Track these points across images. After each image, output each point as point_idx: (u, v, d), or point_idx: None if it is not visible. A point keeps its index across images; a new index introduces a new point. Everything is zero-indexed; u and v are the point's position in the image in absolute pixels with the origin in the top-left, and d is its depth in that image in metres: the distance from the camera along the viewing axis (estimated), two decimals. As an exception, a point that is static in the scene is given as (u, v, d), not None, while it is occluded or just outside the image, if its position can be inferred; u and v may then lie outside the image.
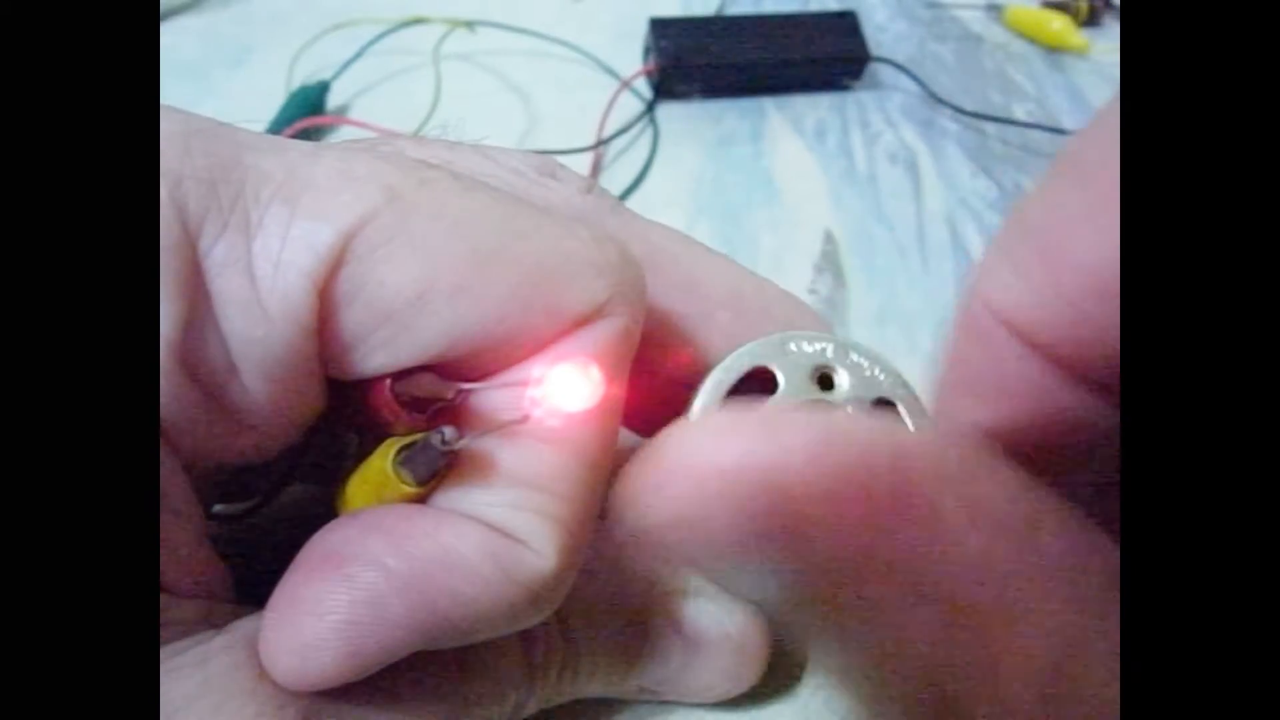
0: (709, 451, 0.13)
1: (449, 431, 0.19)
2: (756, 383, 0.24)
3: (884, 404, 0.24)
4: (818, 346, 0.24)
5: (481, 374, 0.21)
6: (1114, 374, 0.14)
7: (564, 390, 0.19)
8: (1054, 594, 0.14)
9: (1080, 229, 0.14)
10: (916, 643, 0.14)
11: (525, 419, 0.19)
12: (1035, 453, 0.15)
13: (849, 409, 0.22)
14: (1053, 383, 0.15)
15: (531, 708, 0.24)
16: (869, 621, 0.14)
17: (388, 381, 0.20)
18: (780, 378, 0.23)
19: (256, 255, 0.19)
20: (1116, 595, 0.14)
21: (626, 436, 0.24)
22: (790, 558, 0.13)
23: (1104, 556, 0.14)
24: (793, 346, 0.24)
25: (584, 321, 0.21)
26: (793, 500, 0.13)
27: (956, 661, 0.13)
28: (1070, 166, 0.14)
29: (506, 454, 0.20)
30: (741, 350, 0.24)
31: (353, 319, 0.20)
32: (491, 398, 0.21)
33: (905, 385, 0.24)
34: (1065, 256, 0.14)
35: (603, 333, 0.21)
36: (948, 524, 0.13)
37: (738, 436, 0.13)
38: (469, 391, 0.20)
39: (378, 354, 0.20)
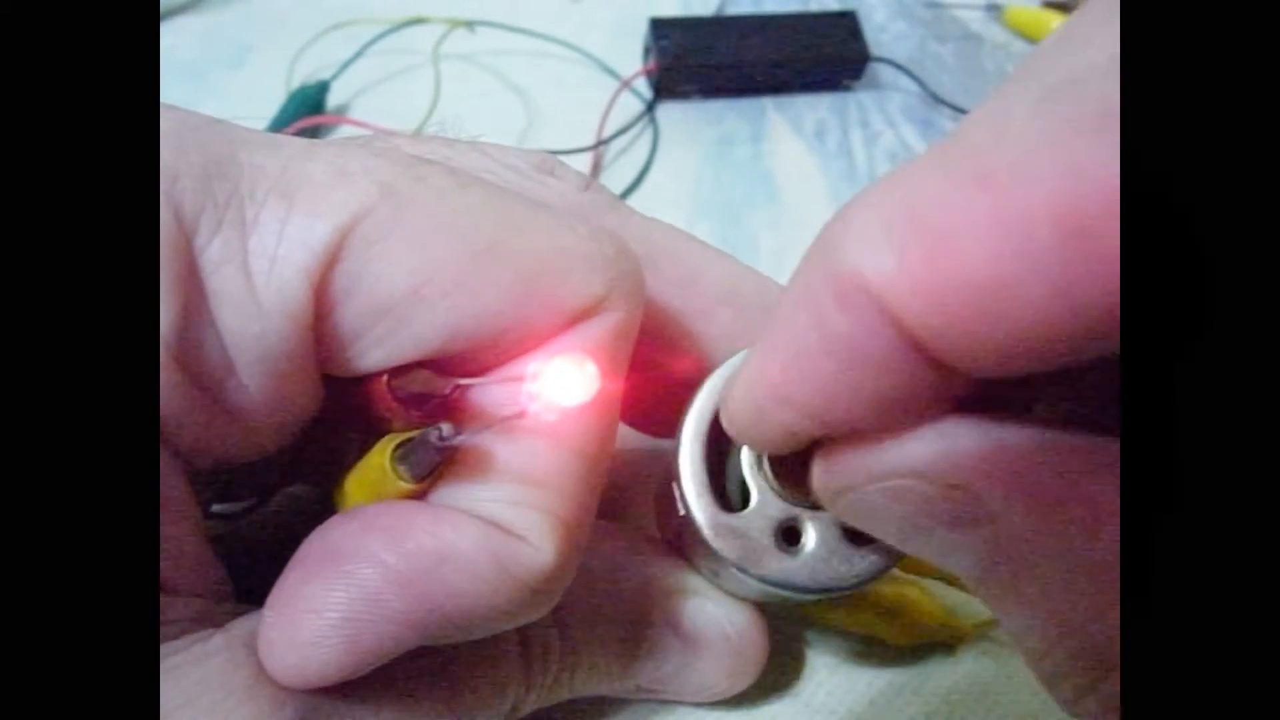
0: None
1: (446, 428, 0.19)
2: None
3: None
4: None
5: (479, 369, 0.21)
6: (974, 367, 0.14)
7: (561, 385, 0.19)
8: None
9: (977, 231, 0.13)
10: (1078, 613, 0.16)
11: (522, 414, 0.19)
12: (861, 421, 0.16)
13: None
14: (903, 360, 0.15)
15: (529, 706, 0.24)
16: (1037, 591, 0.16)
17: (385, 377, 0.20)
18: None
19: (252, 252, 0.19)
20: None
21: (625, 432, 0.24)
22: (975, 533, 0.17)
23: None
24: None
25: (581, 316, 0.21)
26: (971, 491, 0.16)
27: (1115, 631, 0.15)
28: (968, 156, 0.14)
29: (504, 449, 0.20)
30: (737, 356, 0.23)
31: (349, 315, 0.19)
32: (489, 393, 0.21)
33: None
34: (955, 255, 0.13)
35: (600, 327, 0.21)
36: (1104, 506, 0.15)
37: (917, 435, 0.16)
38: (466, 387, 0.20)
39: (375, 350, 0.20)
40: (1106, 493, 0.15)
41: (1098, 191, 0.12)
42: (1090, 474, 0.15)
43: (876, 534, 0.19)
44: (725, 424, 0.20)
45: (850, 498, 0.18)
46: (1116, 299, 0.12)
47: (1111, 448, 0.16)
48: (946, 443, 0.16)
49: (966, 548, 0.17)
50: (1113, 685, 0.15)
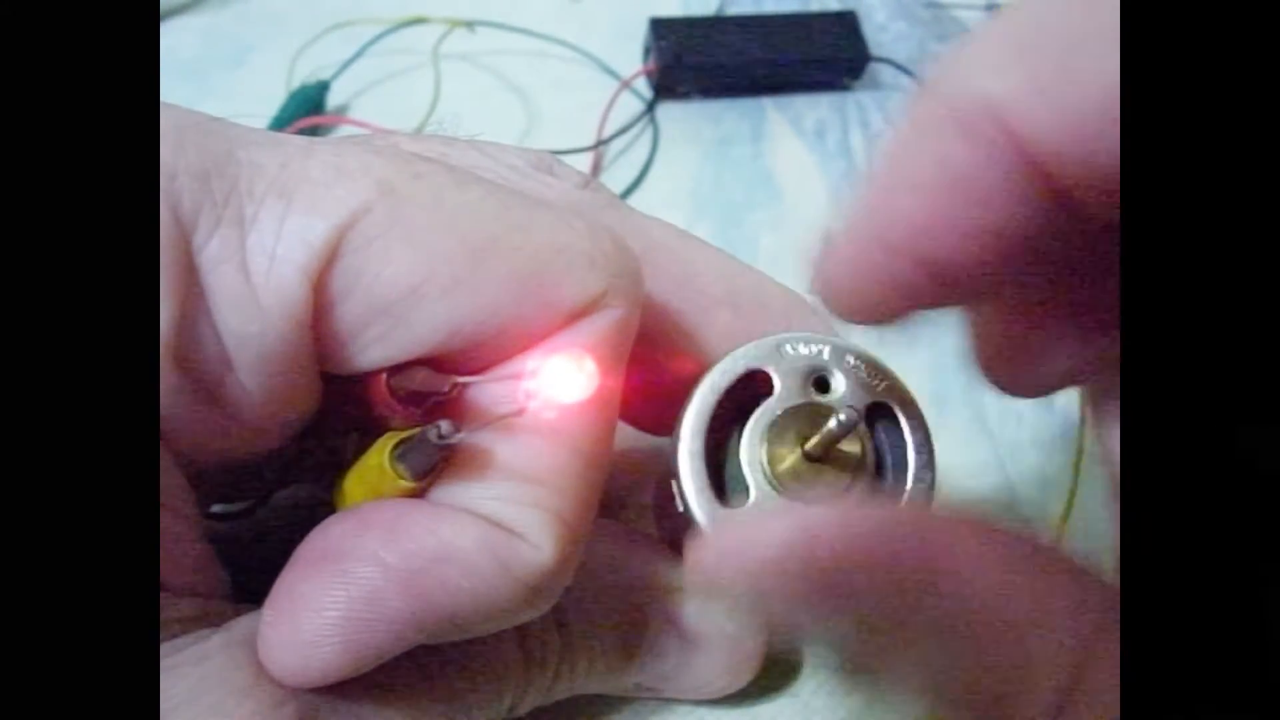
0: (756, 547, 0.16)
1: (445, 426, 0.19)
2: (752, 385, 0.24)
3: (879, 408, 0.24)
4: (813, 349, 0.24)
5: (478, 368, 0.21)
6: (1097, 197, 0.14)
7: (559, 383, 0.19)
8: (1064, 607, 0.15)
9: (1110, 42, 0.13)
10: (966, 659, 0.16)
11: (521, 412, 0.19)
12: (979, 257, 0.16)
13: (840, 416, 0.22)
14: (1027, 191, 0.15)
15: (528, 704, 0.24)
16: (921, 654, 0.16)
17: (384, 376, 0.20)
18: (776, 381, 0.23)
19: (251, 250, 0.19)
20: (1114, 610, 0.15)
21: (624, 431, 0.24)
22: (841, 621, 0.16)
23: (1099, 584, 0.16)
24: (788, 349, 0.24)
25: (580, 314, 0.21)
26: (831, 579, 0.16)
27: (1001, 668, 0.15)
28: None
29: (503, 448, 0.20)
30: (737, 353, 0.23)
31: (348, 313, 0.19)
32: (488, 391, 0.21)
33: (902, 389, 0.24)
34: (1090, 67, 0.13)
35: (599, 325, 0.21)
36: (970, 567, 0.15)
37: (779, 532, 0.16)
38: (465, 385, 0.20)
39: (373, 348, 0.20)
40: (954, 554, 0.15)
41: None
42: (946, 538, 0.16)
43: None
44: (820, 294, 0.19)
45: (715, 593, 0.18)
46: None
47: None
48: (805, 530, 0.16)
49: (829, 637, 0.17)
50: None
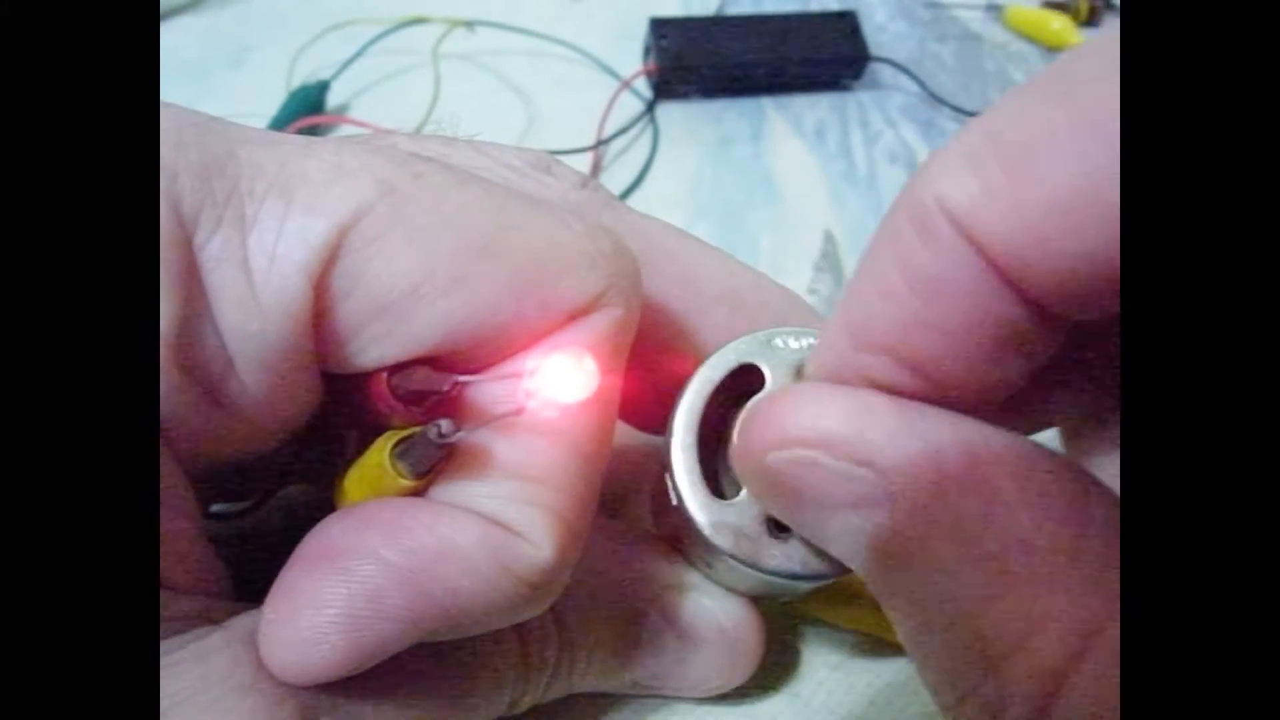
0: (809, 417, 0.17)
1: (446, 424, 0.19)
2: (745, 379, 0.24)
3: None
4: (804, 343, 0.24)
5: (478, 367, 0.21)
6: (1054, 295, 0.15)
7: (559, 382, 0.19)
8: (1090, 574, 0.15)
9: (1058, 146, 0.14)
10: (966, 604, 0.16)
11: (521, 411, 0.19)
12: (945, 360, 0.16)
13: None
14: (986, 289, 0.15)
15: (527, 701, 0.24)
16: (929, 580, 0.16)
17: (384, 375, 0.20)
18: (767, 374, 0.23)
19: (252, 250, 0.19)
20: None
21: (623, 430, 0.24)
22: (874, 513, 0.16)
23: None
24: (779, 342, 0.24)
25: (579, 313, 0.21)
26: (877, 468, 0.16)
27: (998, 624, 0.15)
28: (1055, 83, 0.14)
29: (503, 446, 0.20)
30: (728, 347, 0.23)
31: (348, 312, 0.20)
32: (488, 390, 0.21)
33: None
34: (1036, 171, 0.14)
35: (598, 324, 0.21)
36: (1004, 498, 0.15)
37: (835, 406, 0.17)
38: (465, 384, 0.20)
39: (374, 347, 0.20)
40: (1007, 486, 0.15)
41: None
42: (996, 465, 0.16)
43: (784, 517, 0.20)
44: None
45: (754, 465, 0.18)
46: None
47: (1024, 446, 0.16)
48: (858, 417, 0.17)
49: (861, 532, 0.17)
50: (991, 688, 0.15)
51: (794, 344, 0.24)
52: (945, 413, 0.16)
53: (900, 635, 0.18)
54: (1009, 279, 0.15)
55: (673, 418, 0.23)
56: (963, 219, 0.15)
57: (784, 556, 0.23)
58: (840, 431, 0.17)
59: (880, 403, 0.17)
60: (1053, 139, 0.14)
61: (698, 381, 0.23)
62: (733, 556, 0.23)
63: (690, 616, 0.26)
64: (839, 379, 0.18)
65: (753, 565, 0.23)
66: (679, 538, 0.25)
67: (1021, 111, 0.14)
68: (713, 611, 0.26)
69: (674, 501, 0.23)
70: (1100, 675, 0.14)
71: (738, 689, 0.28)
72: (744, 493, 0.23)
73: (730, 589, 0.26)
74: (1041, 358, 0.17)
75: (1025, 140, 0.14)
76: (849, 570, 0.23)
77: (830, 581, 0.23)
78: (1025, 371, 0.17)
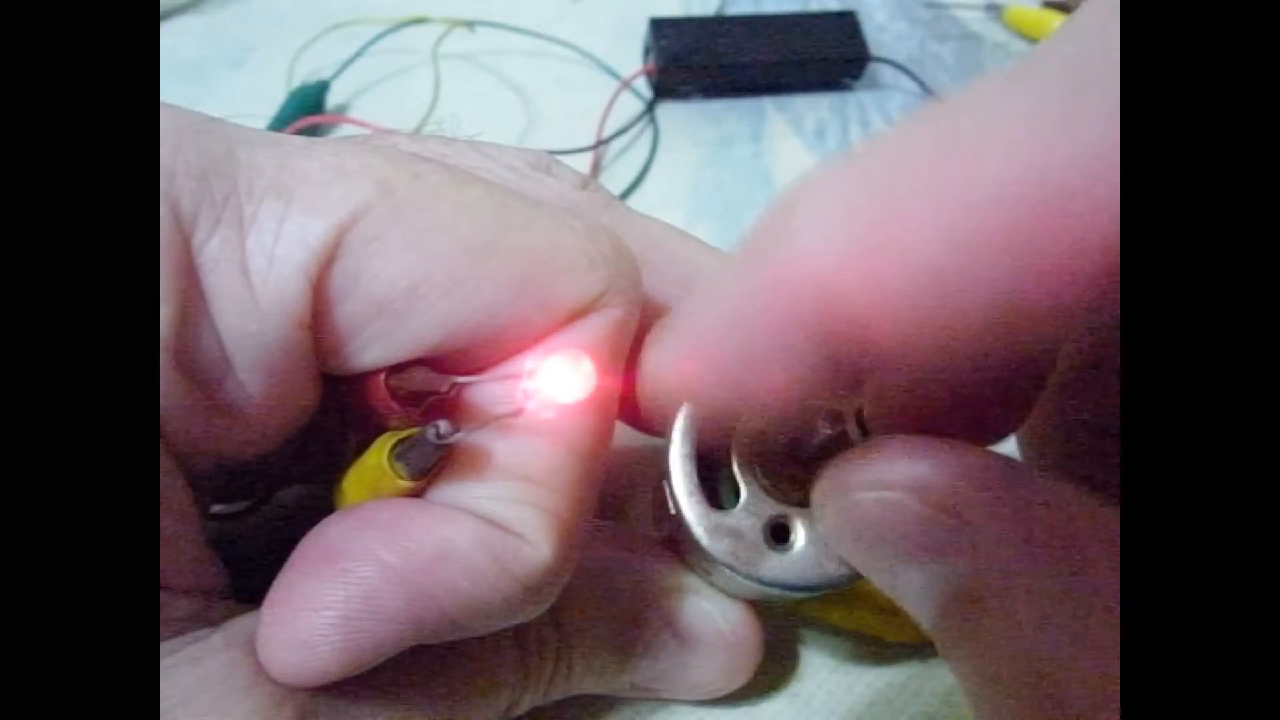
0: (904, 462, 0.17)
1: (444, 425, 0.19)
2: None
3: None
4: None
5: (477, 367, 0.21)
6: (905, 352, 0.14)
7: (558, 383, 0.19)
8: None
9: (927, 213, 0.13)
10: (1044, 663, 0.15)
11: (520, 412, 0.19)
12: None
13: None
14: (819, 352, 0.15)
15: (526, 704, 0.24)
16: (1003, 635, 0.16)
17: (383, 376, 0.20)
18: None
19: (250, 250, 0.19)
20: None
21: (622, 431, 0.24)
22: (955, 562, 0.16)
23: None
24: None
25: (579, 314, 0.21)
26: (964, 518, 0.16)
27: (1080, 685, 0.15)
28: (939, 128, 0.13)
29: (502, 447, 0.20)
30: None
31: (347, 313, 0.20)
32: (487, 391, 0.21)
33: None
34: (905, 243, 0.13)
35: (597, 325, 0.21)
36: (1093, 563, 0.15)
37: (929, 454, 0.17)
38: (464, 385, 0.20)
39: (372, 348, 0.20)
40: (1095, 551, 0.15)
41: (1084, 161, 0.11)
42: (1088, 530, 0.16)
43: (857, 560, 0.20)
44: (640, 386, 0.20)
45: (842, 502, 0.18)
46: (1086, 279, 0.12)
47: (1100, 506, 0.16)
48: (952, 466, 0.17)
49: (935, 579, 0.17)
50: None
51: None
52: (1040, 475, 0.16)
53: (963, 686, 0.17)
54: (854, 342, 0.14)
55: (671, 427, 0.23)
56: (821, 276, 0.14)
57: (781, 567, 0.23)
58: (932, 478, 0.17)
59: (976, 458, 0.17)
60: (933, 193, 0.12)
61: None
62: (730, 567, 0.23)
63: (690, 619, 0.26)
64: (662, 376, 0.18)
65: (750, 576, 0.23)
66: (677, 542, 0.25)
67: (896, 152, 0.13)
68: (712, 615, 0.26)
69: (672, 510, 0.23)
70: None
71: (738, 689, 0.27)
72: (742, 503, 0.23)
73: (730, 594, 0.26)
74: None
75: (900, 190, 0.13)
76: (849, 582, 0.23)
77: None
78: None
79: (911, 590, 0.18)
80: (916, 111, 0.14)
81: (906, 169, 0.13)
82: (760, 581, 0.23)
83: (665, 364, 0.17)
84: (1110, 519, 0.16)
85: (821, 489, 0.19)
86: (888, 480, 0.17)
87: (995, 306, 0.12)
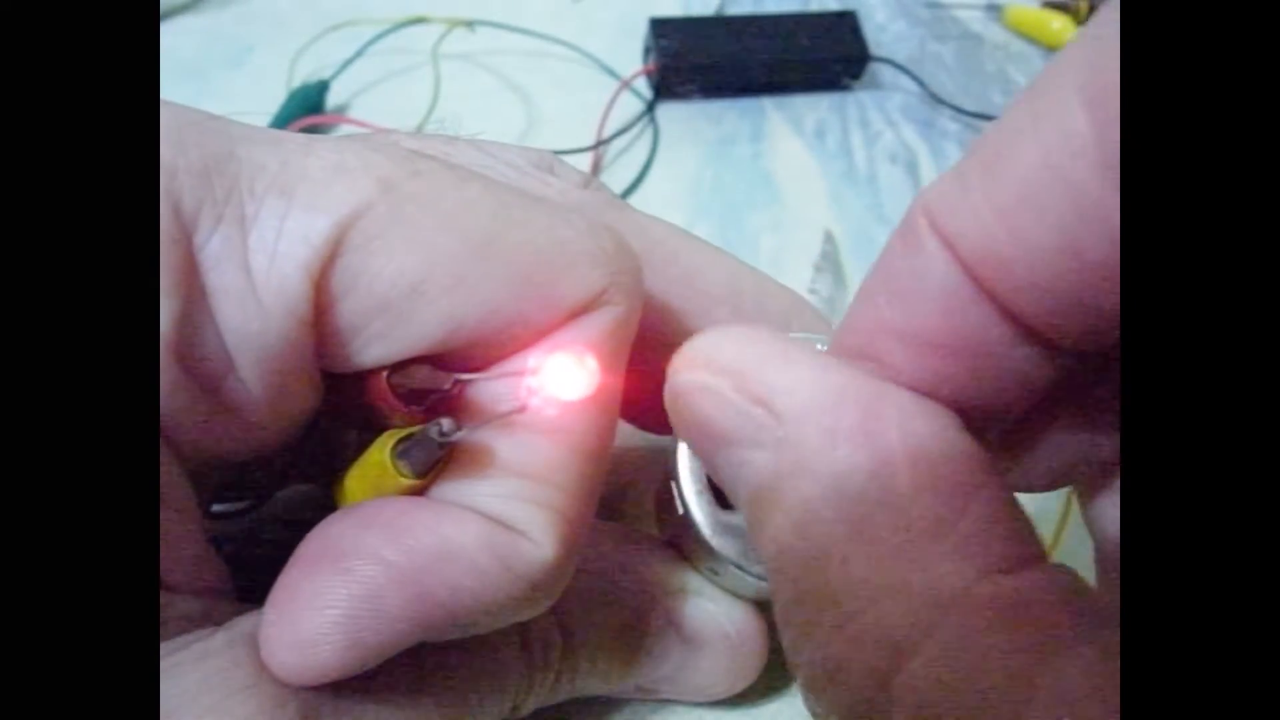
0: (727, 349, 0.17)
1: (447, 423, 0.19)
2: None
3: None
4: None
5: (479, 365, 0.21)
6: (1035, 308, 0.15)
7: (560, 380, 0.19)
8: (954, 553, 0.15)
9: (1019, 134, 0.14)
10: (823, 557, 0.15)
11: (522, 409, 0.19)
12: (921, 374, 0.16)
13: None
14: (969, 301, 0.15)
15: (530, 705, 0.24)
16: (793, 528, 0.16)
17: (385, 373, 0.20)
18: None
19: (252, 248, 0.19)
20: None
21: (625, 430, 0.24)
22: (758, 453, 0.17)
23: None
24: None
25: (581, 311, 0.21)
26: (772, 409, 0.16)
27: (851, 583, 0.15)
28: (1026, 96, 0.14)
29: (504, 445, 0.20)
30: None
31: (349, 311, 0.19)
32: (489, 389, 0.21)
33: None
34: (1001, 160, 0.14)
35: (599, 322, 0.21)
36: (890, 463, 0.15)
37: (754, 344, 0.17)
38: (466, 383, 0.20)
39: (374, 346, 0.20)
40: (897, 451, 0.15)
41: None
42: (892, 429, 0.15)
43: (691, 445, 0.19)
44: None
45: (671, 381, 0.18)
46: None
47: (929, 418, 0.16)
48: (770, 357, 0.17)
49: (743, 467, 0.17)
50: (834, 649, 0.15)
51: None
52: (864, 372, 0.16)
53: (769, 584, 0.17)
54: (987, 287, 0.15)
55: None
56: (939, 218, 0.15)
57: None
58: (746, 366, 0.17)
59: (800, 351, 0.17)
60: (1017, 133, 0.14)
61: None
62: (738, 566, 0.23)
63: (694, 621, 0.26)
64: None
65: (758, 576, 0.23)
66: (683, 544, 0.25)
67: (1005, 116, 0.15)
68: (716, 616, 0.26)
69: (679, 510, 0.23)
70: (945, 654, 0.14)
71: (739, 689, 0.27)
72: None
73: (735, 595, 0.26)
74: (1037, 386, 0.16)
75: (997, 138, 0.14)
76: None
77: None
78: (1019, 399, 0.17)
79: (724, 475, 0.18)
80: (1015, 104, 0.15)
81: (1006, 122, 0.14)
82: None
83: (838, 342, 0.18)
84: (928, 418, 0.16)
85: (667, 389, 0.19)
86: (705, 362, 0.17)
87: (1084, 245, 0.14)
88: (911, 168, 0.48)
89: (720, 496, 0.23)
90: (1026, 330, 0.15)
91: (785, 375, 0.16)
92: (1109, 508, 0.19)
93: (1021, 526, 0.15)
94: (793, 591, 0.16)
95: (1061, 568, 0.15)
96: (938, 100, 0.50)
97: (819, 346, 0.23)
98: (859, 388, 0.16)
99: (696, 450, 0.19)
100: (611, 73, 0.49)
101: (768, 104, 0.49)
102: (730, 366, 0.17)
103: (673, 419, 0.18)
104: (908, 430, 0.15)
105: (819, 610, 0.15)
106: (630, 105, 0.47)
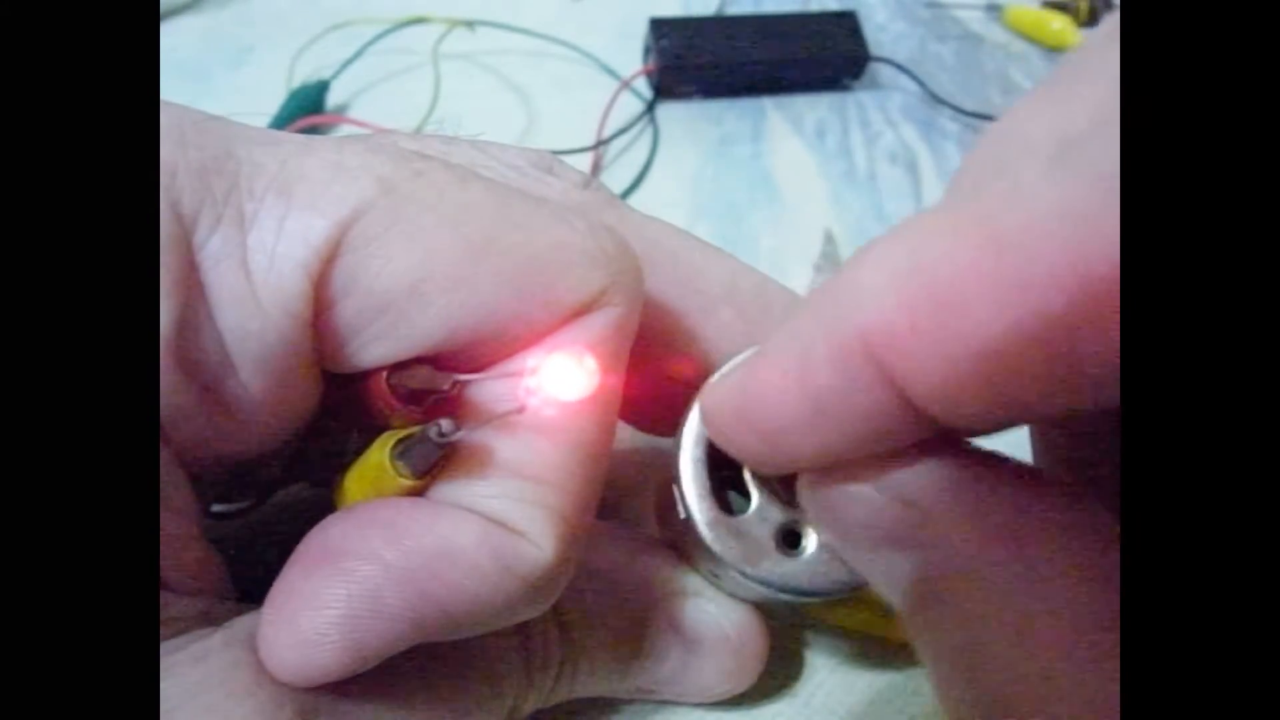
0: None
1: (446, 424, 0.19)
2: None
3: None
4: None
5: (479, 365, 0.21)
6: (963, 416, 0.15)
7: (560, 380, 0.19)
8: (1109, 650, 0.14)
9: (985, 299, 0.13)
10: (989, 659, 0.15)
11: (521, 410, 0.19)
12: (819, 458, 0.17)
13: None
14: (902, 422, 0.15)
15: (530, 707, 0.24)
16: (957, 629, 0.16)
17: (384, 374, 0.20)
18: None
19: (251, 248, 0.19)
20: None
21: (625, 431, 0.24)
22: (912, 554, 0.17)
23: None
24: None
25: (580, 311, 0.21)
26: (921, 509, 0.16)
27: (1021, 685, 0.15)
28: (975, 205, 0.14)
29: (504, 445, 0.20)
30: (738, 359, 0.23)
31: (349, 311, 0.19)
32: (489, 389, 0.21)
33: None
34: (960, 315, 0.14)
35: (599, 322, 0.21)
36: (1042, 562, 0.15)
37: None
38: (466, 383, 0.20)
39: (374, 346, 0.20)
40: (1047, 550, 0.15)
41: (1107, 257, 0.12)
42: (1039, 527, 0.16)
43: (837, 545, 0.20)
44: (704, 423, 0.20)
45: (816, 495, 0.18)
46: (1117, 360, 0.13)
47: (1072, 510, 0.16)
48: (907, 461, 0.17)
49: (901, 569, 0.17)
50: None
51: None
52: (1012, 464, 0.16)
53: (930, 677, 0.18)
54: (919, 411, 0.15)
55: (681, 428, 0.23)
56: (884, 355, 0.15)
57: (793, 572, 0.23)
58: (894, 470, 0.17)
59: (941, 451, 0.17)
60: (984, 287, 0.13)
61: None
62: (741, 573, 0.23)
63: (694, 622, 0.26)
64: (724, 442, 0.19)
65: (761, 581, 0.23)
66: (684, 546, 0.25)
67: (953, 243, 0.14)
68: (717, 618, 0.26)
69: (682, 514, 0.23)
70: None
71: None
72: (753, 507, 0.23)
73: (735, 598, 0.26)
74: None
75: (956, 285, 0.14)
76: (858, 586, 0.23)
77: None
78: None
79: (883, 579, 0.18)
80: (954, 199, 0.15)
81: (957, 260, 0.14)
82: (771, 586, 0.23)
83: (728, 407, 0.18)
84: (1071, 511, 0.16)
85: (802, 481, 0.19)
86: (854, 473, 0.17)
87: (1043, 379, 0.13)
88: (911, 168, 0.48)
89: (723, 500, 0.23)
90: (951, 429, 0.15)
91: (928, 475, 0.17)
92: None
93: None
94: (963, 691, 0.16)
95: None
96: (938, 100, 0.50)
97: None
98: (1008, 489, 0.16)
99: (844, 552, 0.19)
100: (611, 73, 0.49)
101: (768, 104, 0.49)
102: (874, 472, 0.17)
103: (828, 529, 0.19)
104: (1056, 528, 0.15)
105: (993, 711, 0.15)
106: (630, 105, 0.47)
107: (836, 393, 0.15)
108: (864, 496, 0.17)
